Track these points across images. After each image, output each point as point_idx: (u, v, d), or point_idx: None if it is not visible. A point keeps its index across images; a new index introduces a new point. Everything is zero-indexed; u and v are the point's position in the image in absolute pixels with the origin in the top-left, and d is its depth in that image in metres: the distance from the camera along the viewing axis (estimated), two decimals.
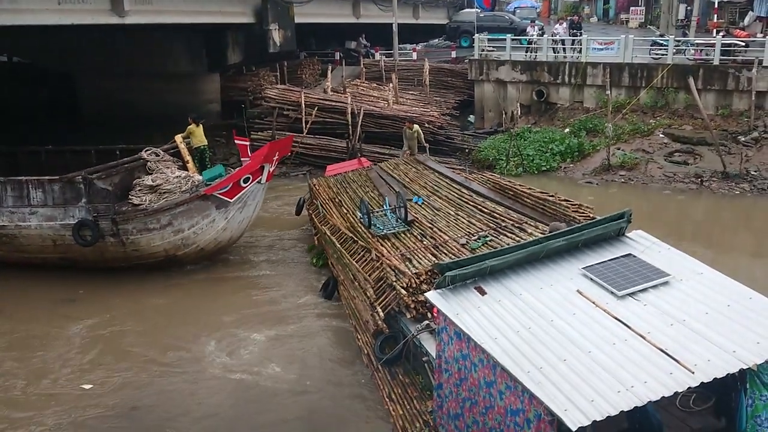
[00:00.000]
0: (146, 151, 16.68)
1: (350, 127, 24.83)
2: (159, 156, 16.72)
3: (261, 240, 17.69)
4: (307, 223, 18.08)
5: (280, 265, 16.12)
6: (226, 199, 15.09)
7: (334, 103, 25.91)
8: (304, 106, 25.39)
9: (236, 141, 18.04)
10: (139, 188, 15.54)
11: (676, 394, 6.28)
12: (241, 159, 17.18)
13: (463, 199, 14.42)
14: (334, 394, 10.68)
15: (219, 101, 31.33)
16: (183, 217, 15.07)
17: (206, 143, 19.61)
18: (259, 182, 15.18)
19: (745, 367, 6.34)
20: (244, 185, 15.08)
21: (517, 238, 11.46)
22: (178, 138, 17.69)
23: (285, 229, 18.40)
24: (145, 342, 12.58)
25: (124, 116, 27.82)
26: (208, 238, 15.42)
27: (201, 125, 18.17)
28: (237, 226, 15.68)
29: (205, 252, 15.72)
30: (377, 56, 35.84)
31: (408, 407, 9.81)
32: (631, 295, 7.54)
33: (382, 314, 10.82)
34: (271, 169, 15.20)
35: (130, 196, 15.47)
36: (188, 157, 17.51)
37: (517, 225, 12.31)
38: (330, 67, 31.41)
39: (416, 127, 20.96)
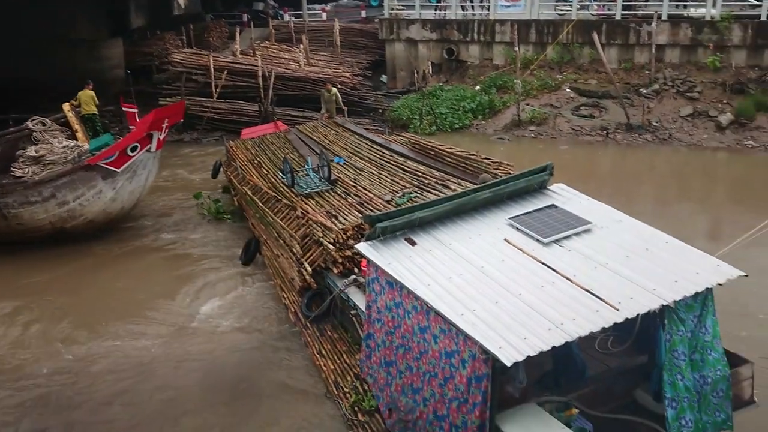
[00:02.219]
0: (32, 120, 15.98)
1: (262, 90, 24.45)
2: (46, 125, 16.05)
3: (174, 206, 17.42)
4: (219, 184, 17.87)
5: (194, 229, 15.95)
6: (112, 168, 14.47)
7: (244, 67, 25.44)
8: (212, 70, 24.80)
9: (124, 108, 17.49)
10: (23, 159, 14.97)
11: (602, 330, 6.59)
12: (130, 127, 16.66)
13: (385, 159, 14.52)
14: (262, 356, 10.68)
15: (123, 67, 30.23)
16: (66, 188, 14.43)
17: (96, 111, 19.02)
18: (148, 150, 14.64)
19: (664, 303, 6.71)
20: (132, 154, 14.48)
21: (441, 195, 11.63)
22: (66, 106, 17.05)
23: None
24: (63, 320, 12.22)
25: (26, 85, 26.45)
26: (96, 210, 14.87)
27: (92, 92, 17.54)
28: (128, 196, 15.13)
29: (96, 224, 15.19)
30: (286, 17, 35.29)
31: (338, 362, 9.95)
32: (555, 242, 7.82)
33: (309, 269, 10.87)
34: (162, 137, 14.66)
35: (12, 168, 14.84)
36: (77, 126, 16.89)
37: (440, 182, 12.50)
38: (238, 30, 30.73)
39: (334, 89, 20.86)
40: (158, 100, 23.94)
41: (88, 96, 19.32)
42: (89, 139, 16.59)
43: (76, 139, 16.28)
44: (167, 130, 14.76)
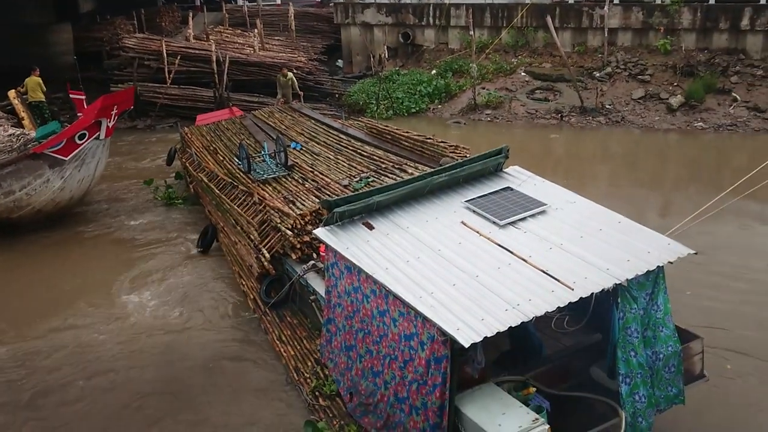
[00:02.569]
0: None
1: (216, 75, 24.14)
2: None
3: (126, 194, 17.17)
4: (173, 171, 17.69)
5: (146, 216, 15.76)
6: (60, 157, 14.14)
7: (197, 52, 25.06)
8: (165, 55, 24.39)
9: (71, 95, 17.12)
10: None
11: (557, 310, 6.71)
12: (78, 114, 16.34)
13: (342, 144, 14.51)
14: (221, 344, 10.61)
15: (73, 53, 29.53)
16: (12, 177, 14.07)
17: (43, 98, 18.60)
18: (97, 138, 14.32)
19: (617, 282, 6.85)
20: (80, 142, 14.17)
21: (398, 179, 11.68)
22: (11, 93, 16.65)
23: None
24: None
25: None
26: (44, 199, 14.53)
27: (39, 79, 17.11)
28: (77, 185, 14.80)
29: (44, 213, 14.86)
30: (240, 1, 34.83)
31: (299, 347, 9.96)
32: (511, 224, 7.92)
33: (268, 255, 10.82)
34: (111, 124, 14.36)
35: None
36: (23, 114, 16.50)
37: (397, 166, 12.53)
38: (191, 14, 30.18)
39: (290, 74, 20.71)
40: (109, 86, 23.47)
41: (34, 83, 18.88)
42: (36, 127, 16.17)
43: (23, 127, 15.84)
44: (117, 118, 14.47)
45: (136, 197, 16.99)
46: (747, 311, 10.79)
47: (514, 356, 8.17)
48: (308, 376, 9.31)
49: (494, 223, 7.92)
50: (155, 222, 15.47)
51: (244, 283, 11.73)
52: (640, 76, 23.18)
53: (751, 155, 18.24)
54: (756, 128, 20.39)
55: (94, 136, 14.23)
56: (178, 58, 24.44)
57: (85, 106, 15.52)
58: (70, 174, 14.44)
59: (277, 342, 10.21)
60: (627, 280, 6.86)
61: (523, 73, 24.76)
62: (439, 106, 24.17)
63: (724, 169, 18.05)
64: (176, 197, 16.44)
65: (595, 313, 8.34)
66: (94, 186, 15.62)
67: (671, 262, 7.06)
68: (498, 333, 6.38)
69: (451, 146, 12.99)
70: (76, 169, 14.48)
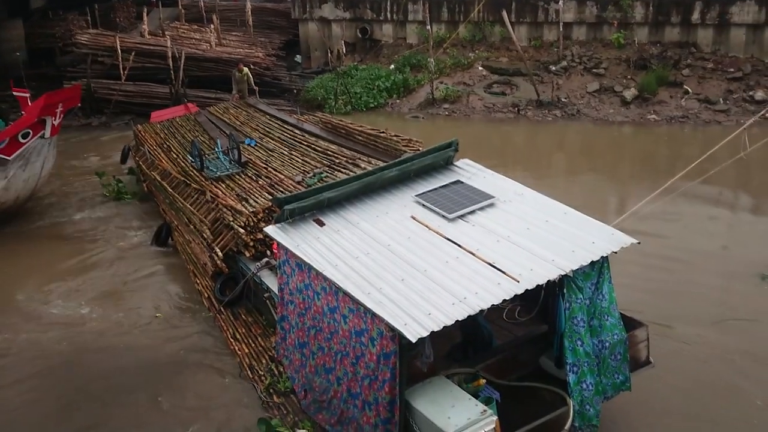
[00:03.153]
0: None
1: (172, 71, 23.84)
2: None
3: (77, 192, 16.92)
4: (126, 169, 17.54)
5: (99, 212, 15.59)
6: (3, 156, 13.85)
7: (152, 48, 24.68)
8: (120, 51, 24.00)
9: (14, 93, 16.74)
10: None
11: (504, 302, 6.79)
12: (23, 112, 16.02)
13: (296, 139, 14.46)
14: (178, 341, 10.53)
15: (25, 49, 28.91)
16: None
17: None
18: (42, 137, 14.04)
19: (562, 273, 6.96)
20: (24, 141, 13.86)
21: (352, 174, 11.68)
22: None
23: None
24: None
25: None
26: None
27: None
28: (22, 185, 14.50)
29: None
30: None
31: (253, 345, 9.94)
32: (460, 217, 8.00)
33: (221, 254, 10.76)
34: (56, 122, 14.09)
35: None
36: None
37: (351, 161, 12.53)
38: (146, 10, 29.69)
39: (246, 69, 20.56)
40: (62, 83, 23.05)
41: None
42: None
43: None
44: (62, 116, 14.22)
45: (85, 194, 16.76)
46: (687, 297, 11.07)
47: (465, 348, 8.25)
48: (263, 373, 9.30)
49: (443, 216, 7.99)
50: (104, 217, 15.35)
51: (198, 281, 11.65)
52: (594, 70, 23.45)
53: (701, 146, 18.55)
54: (707, 120, 20.78)
55: (38, 135, 13.95)
56: (133, 54, 24.08)
57: (29, 104, 15.17)
58: (14, 174, 14.13)
59: (232, 340, 10.17)
60: (572, 270, 6.96)
61: (480, 68, 24.89)
62: (398, 101, 24.19)
63: (675, 160, 18.35)
64: (125, 192, 16.27)
65: (546, 304, 8.45)
66: (41, 185, 15.34)
67: (615, 252, 7.19)
68: (446, 327, 6.44)
69: (405, 140, 13.04)
70: (21, 169, 14.18)
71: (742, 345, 9.79)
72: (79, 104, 16.38)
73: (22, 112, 15.35)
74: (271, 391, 8.99)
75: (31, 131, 13.85)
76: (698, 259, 12.26)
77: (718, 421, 8.44)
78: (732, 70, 22.23)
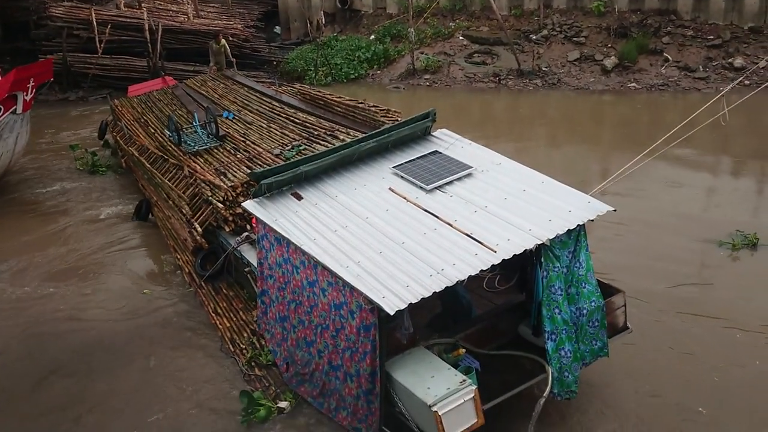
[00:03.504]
0: None
1: (149, 44, 23.52)
2: None
3: (54, 167, 16.77)
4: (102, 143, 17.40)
5: (80, 190, 15.40)
6: None
7: (129, 20, 24.26)
8: (96, 24, 23.62)
9: None
10: None
11: (481, 272, 6.82)
12: None
13: (275, 111, 14.35)
14: (159, 317, 10.51)
15: None
16: None
17: None
18: (13, 113, 13.89)
19: (539, 242, 6.98)
20: None
21: (330, 145, 11.62)
22: None
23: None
24: None
25: None
26: None
27: None
28: None
29: None
30: None
31: (235, 319, 9.96)
32: (438, 188, 8.00)
33: (200, 230, 10.72)
34: (28, 98, 13.93)
35: None
36: None
37: (329, 133, 12.47)
38: None
39: (223, 41, 20.31)
40: (38, 57, 22.68)
41: None
42: None
43: None
44: (34, 90, 14.05)
45: (61, 168, 16.65)
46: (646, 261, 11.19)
47: (445, 318, 8.30)
48: (244, 347, 9.33)
49: (421, 188, 7.98)
50: (78, 190, 15.27)
51: (179, 256, 11.61)
52: (575, 38, 23.34)
53: (681, 113, 18.59)
54: (686, 87, 20.80)
55: (10, 110, 13.78)
56: (109, 27, 23.69)
57: None
58: None
59: (213, 314, 10.17)
60: (549, 239, 6.99)
61: (461, 37, 24.72)
62: (378, 72, 24.03)
63: (655, 127, 18.37)
64: (100, 164, 16.20)
65: (525, 272, 8.49)
66: (15, 162, 15.18)
67: (592, 220, 7.22)
68: (425, 298, 6.47)
69: (383, 110, 12.97)
70: None
71: (693, 308, 9.97)
72: (52, 79, 16.12)
73: None
74: (253, 364, 9.04)
75: (2, 107, 13.64)
76: (665, 224, 12.39)
77: (686, 384, 8.58)
78: (712, 37, 22.18)
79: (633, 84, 21.29)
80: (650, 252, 11.43)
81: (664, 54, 22.00)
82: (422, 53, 23.97)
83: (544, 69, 22.52)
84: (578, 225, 7.16)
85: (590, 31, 23.43)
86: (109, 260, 12.26)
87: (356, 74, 23.75)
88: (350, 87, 22.42)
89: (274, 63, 25.30)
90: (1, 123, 13.85)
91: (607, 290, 7.86)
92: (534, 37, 23.76)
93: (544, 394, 7.20)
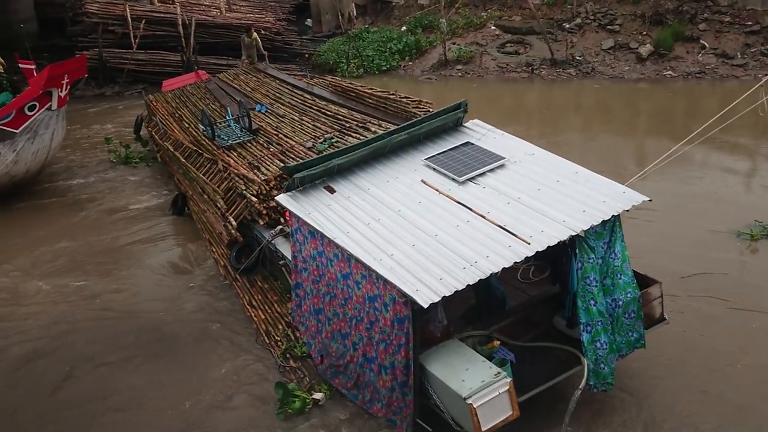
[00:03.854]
0: None
1: (183, 39, 23.76)
2: None
3: (91, 161, 17.02)
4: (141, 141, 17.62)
5: (124, 186, 15.56)
6: (10, 129, 13.80)
7: (163, 15, 24.55)
8: (130, 20, 23.93)
9: (20, 65, 16.65)
10: None
11: (516, 264, 6.78)
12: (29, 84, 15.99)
13: (307, 104, 14.39)
14: (195, 310, 10.63)
15: (35, 19, 28.83)
16: None
17: None
18: (49, 109, 14.01)
19: (574, 234, 6.92)
20: (31, 113, 13.84)
21: (362, 138, 11.62)
22: None
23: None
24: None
25: None
26: None
27: None
28: (32, 158, 14.46)
29: (0, 188, 14.53)
30: None
31: (269, 311, 10.02)
32: (471, 179, 7.97)
33: (234, 224, 10.81)
34: (63, 94, 14.05)
35: None
36: None
37: (361, 125, 12.47)
38: None
39: (255, 34, 20.43)
40: (74, 53, 23.02)
41: None
42: None
43: None
44: (69, 87, 14.18)
45: (96, 161, 16.96)
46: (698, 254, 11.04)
47: (479, 310, 8.28)
48: (279, 339, 9.39)
49: (453, 179, 7.95)
50: (112, 181, 15.56)
51: (214, 249, 11.73)
52: (609, 27, 23.04)
53: (719, 101, 18.29)
54: (724, 74, 20.44)
55: (45, 107, 13.93)
56: (143, 22, 23.99)
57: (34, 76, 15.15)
58: (23, 147, 14.14)
59: (248, 307, 10.25)
60: (583, 231, 6.93)
61: (493, 27, 24.55)
62: (410, 63, 23.98)
63: (692, 116, 18.12)
64: (133, 157, 16.54)
65: (558, 264, 8.43)
66: (52, 158, 15.39)
67: (627, 210, 7.13)
68: (459, 291, 6.46)
69: (414, 101, 12.93)
70: (29, 142, 14.18)
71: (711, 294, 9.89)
72: (86, 75, 16.27)
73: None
74: (288, 355, 9.09)
75: (37, 104, 13.82)
76: (689, 213, 12.28)
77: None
78: (750, 23, 21.75)
79: (669, 72, 20.99)
80: (667, 240, 11.32)
81: (701, 41, 21.64)
82: (454, 44, 23.87)
83: (577, 58, 22.28)
84: (613, 216, 7.09)
85: (625, 19, 23.11)
86: (143, 251, 12.44)
87: (388, 66, 23.73)
88: (382, 78, 22.44)
89: (306, 56, 25.38)
90: (37, 119, 14.01)
91: (644, 281, 7.76)
92: (567, 26, 23.51)
93: (580, 386, 7.14)
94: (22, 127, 13.91)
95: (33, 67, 15.55)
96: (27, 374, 9.37)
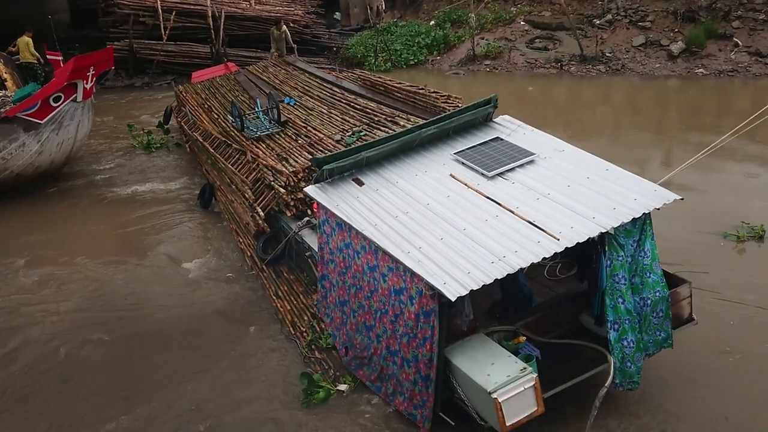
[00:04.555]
0: None
1: (212, 31, 23.95)
2: None
3: (118, 151, 17.31)
4: (175, 131, 17.73)
5: (152, 177, 15.72)
6: (35, 120, 13.84)
7: (193, 7, 24.76)
8: (161, 11, 24.15)
9: (48, 56, 16.78)
10: None
11: (543, 260, 6.75)
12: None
13: (335, 97, 14.42)
14: (221, 300, 10.71)
15: (68, 10, 29.18)
16: None
17: (33, 59, 18.33)
18: (74, 101, 14.07)
19: (603, 231, 6.88)
20: (56, 105, 13.88)
21: (391, 131, 11.63)
22: None
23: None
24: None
25: None
26: (22, 163, 14.26)
27: (30, 38, 16.94)
28: (57, 149, 14.52)
29: (24, 178, 14.62)
30: None
31: (295, 303, 10.07)
32: (500, 175, 7.92)
33: (262, 214, 10.87)
34: (88, 86, 14.06)
35: None
36: (6, 75, 16.29)
37: (389, 119, 12.47)
38: None
39: (284, 27, 20.51)
40: (105, 44, 23.29)
41: (24, 43, 18.72)
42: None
43: (5, 89, 15.68)
44: (95, 79, 14.22)
45: (125, 150, 17.31)
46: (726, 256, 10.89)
47: (505, 306, 8.26)
48: (305, 330, 9.43)
49: (483, 174, 7.92)
50: (137, 168, 15.89)
51: (241, 240, 11.81)
52: (640, 23, 22.84)
53: (752, 100, 18.08)
54: (757, 73, 20.17)
55: (70, 98, 13.99)
56: (174, 14, 24.21)
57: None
58: (48, 137, 14.20)
59: (274, 298, 10.31)
60: (613, 228, 6.88)
61: (522, 22, 24.45)
62: (438, 58, 23.96)
63: (724, 114, 17.91)
64: (155, 143, 17.03)
65: (585, 261, 8.39)
66: (78, 149, 15.50)
67: (658, 209, 7.07)
68: (487, 285, 6.44)
69: (443, 96, 12.91)
70: (54, 133, 14.24)
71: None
72: (113, 67, 16.38)
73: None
74: (313, 347, 9.13)
75: (62, 95, 13.88)
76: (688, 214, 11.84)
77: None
78: None
79: (701, 70, 20.75)
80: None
81: (734, 39, 21.37)
82: (483, 39, 23.82)
83: (607, 55, 22.12)
84: (644, 214, 7.02)
85: (656, 16, 22.90)
86: (168, 240, 12.58)
87: (416, 60, 23.73)
88: (409, 73, 22.44)
89: (334, 49, 25.46)
90: (62, 111, 14.06)
91: (673, 281, 7.70)
92: (598, 22, 23.35)
93: (606, 384, 7.09)
94: (47, 118, 13.97)
95: (60, 58, 15.73)
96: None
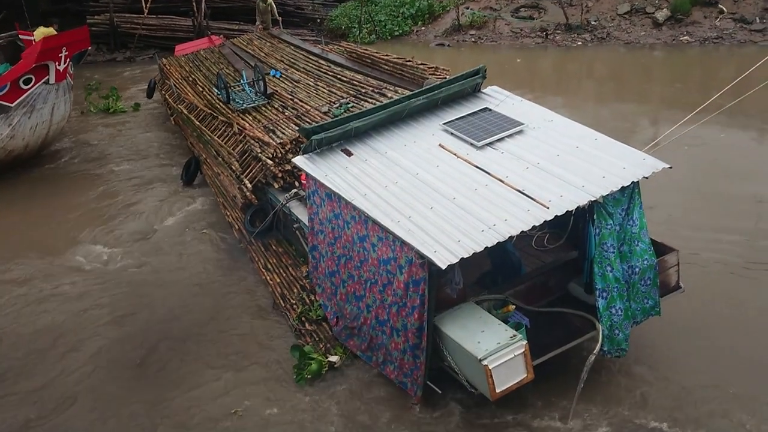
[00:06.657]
0: None
1: (194, 4, 23.60)
2: None
3: (109, 130, 17.07)
4: (157, 104, 17.59)
5: (133, 153, 15.65)
6: (5, 103, 13.46)
7: None
8: None
9: (20, 36, 16.25)
10: None
11: (533, 229, 6.78)
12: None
13: (322, 69, 14.32)
14: (208, 273, 10.71)
15: None
16: None
17: None
18: (46, 83, 13.70)
19: (592, 199, 6.90)
20: (26, 87, 13.48)
21: (379, 103, 11.57)
22: None
23: (136, 112, 17.75)
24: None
25: None
26: None
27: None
28: (30, 133, 14.16)
29: None
30: None
31: (284, 275, 10.08)
32: (489, 144, 7.93)
33: (250, 186, 10.82)
34: (61, 68, 13.66)
35: None
36: None
37: (377, 90, 12.41)
38: None
39: (270, 0, 20.30)
40: (85, 18, 22.97)
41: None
42: None
43: None
44: (68, 60, 13.76)
45: (116, 133, 16.96)
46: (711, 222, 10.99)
47: (495, 275, 8.30)
48: (294, 302, 9.45)
49: (472, 144, 7.92)
50: (141, 154, 15.52)
51: (228, 213, 11.77)
52: None
53: (737, 67, 18.07)
54: (742, 40, 20.20)
55: (42, 81, 13.62)
56: None
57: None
58: (19, 121, 13.85)
59: (263, 270, 10.31)
60: (602, 196, 6.91)
61: None
62: (423, 28, 23.80)
63: (709, 82, 17.93)
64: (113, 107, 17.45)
65: (575, 230, 8.44)
66: (55, 133, 15.10)
67: (646, 177, 7.10)
68: (475, 253, 6.47)
69: (431, 68, 12.85)
70: (26, 116, 13.90)
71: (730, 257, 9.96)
72: (90, 47, 15.66)
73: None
74: (303, 319, 9.15)
75: (33, 77, 13.48)
76: (708, 181, 12.19)
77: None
78: None
79: (686, 37, 20.75)
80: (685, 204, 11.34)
81: (719, 5, 21.36)
82: (467, 8, 23.64)
83: (592, 23, 22.04)
84: (632, 182, 7.05)
85: None
86: (161, 218, 12.53)
87: (401, 31, 23.56)
88: (394, 45, 22.28)
89: (318, 21, 25.19)
90: (33, 93, 13.68)
91: (661, 249, 7.76)
92: None
93: (594, 351, 7.18)
94: (18, 101, 13.60)
95: (32, 38, 15.27)
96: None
